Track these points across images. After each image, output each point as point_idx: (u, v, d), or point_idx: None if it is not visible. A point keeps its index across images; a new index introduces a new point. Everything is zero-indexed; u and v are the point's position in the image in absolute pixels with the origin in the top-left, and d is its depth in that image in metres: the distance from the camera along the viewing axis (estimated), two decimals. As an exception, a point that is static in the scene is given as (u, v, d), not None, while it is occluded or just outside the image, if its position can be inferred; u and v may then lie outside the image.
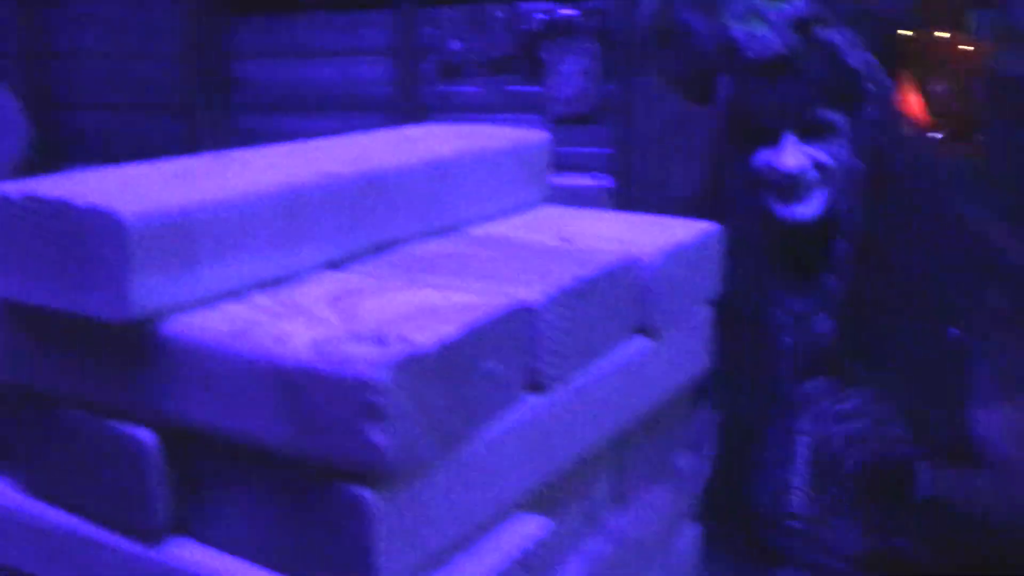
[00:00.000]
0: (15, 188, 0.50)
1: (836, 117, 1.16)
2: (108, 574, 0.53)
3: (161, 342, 0.48)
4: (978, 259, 1.19)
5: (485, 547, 0.51)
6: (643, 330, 0.64)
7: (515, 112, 3.74)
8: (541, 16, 3.66)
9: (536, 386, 0.54)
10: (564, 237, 0.66)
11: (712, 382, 1.05)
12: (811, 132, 1.16)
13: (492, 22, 3.74)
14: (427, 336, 0.46)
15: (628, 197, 3.49)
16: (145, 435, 0.50)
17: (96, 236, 0.47)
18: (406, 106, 3.81)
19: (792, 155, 1.14)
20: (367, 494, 0.44)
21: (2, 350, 0.54)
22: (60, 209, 0.48)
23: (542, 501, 0.56)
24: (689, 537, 0.75)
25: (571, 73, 3.69)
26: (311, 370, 0.44)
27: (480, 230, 0.67)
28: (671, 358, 0.67)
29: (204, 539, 0.51)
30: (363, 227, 0.59)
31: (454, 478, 0.49)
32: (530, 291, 0.53)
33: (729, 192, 1.24)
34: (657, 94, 3.42)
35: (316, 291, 0.53)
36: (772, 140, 1.16)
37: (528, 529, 0.53)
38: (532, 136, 0.74)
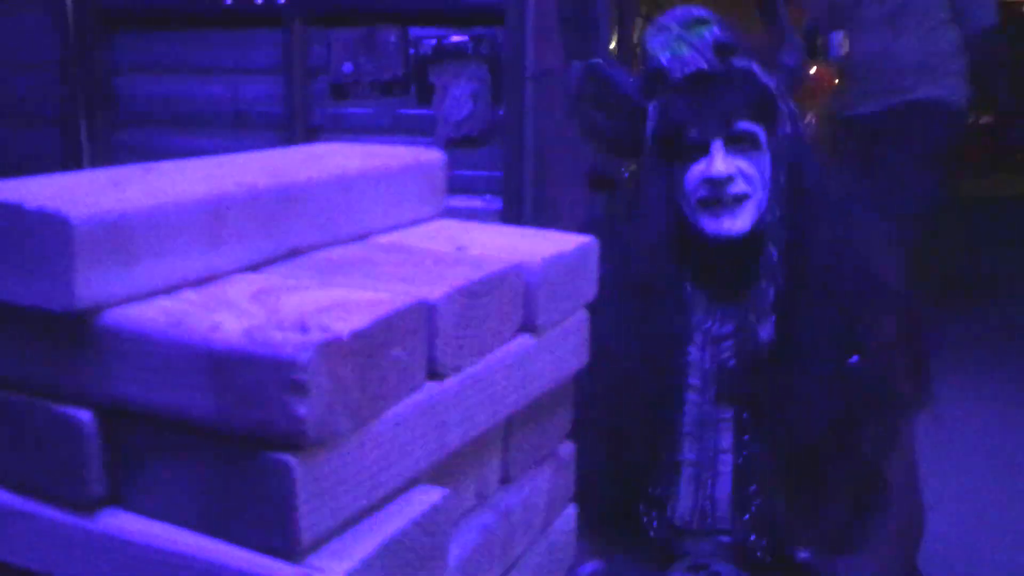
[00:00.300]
0: (-36, 192, 0.55)
1: (757, 129, 1.26)
2: (45, 544, 0.58)
3: (102, 330, 0.54)
4: (872, 286, 1.29)
5: (390, 511, 0.58)
6: (528, 328, 0.72)
7: (405, 134, 3.82)
8: (431, 41, 3.75)
9: (435, 374, 0.62)
10: (459, 246, 0.74)
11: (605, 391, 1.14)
12: (736, 144, 1.25)
13: (383, 45, 3.82)
14: (342, 325, 0.53)
15: (518, 218, 3.60)
16: (83, 415, 0.56)
17: (45, 235, 0.52)
18: (296, 126, 3.83)
19: (721, 161, 1.24)
20: (291, 459, 0.51)
21: (-57, 341, 0.59)
22: (11, 211, 0.53)
23: (440, 476, 0.64)
24: (569, 517, 0.84)
25: (461, 96, 3.79)
26: (243, 352, 0.51)
27: (384, 239, 0.75)
28: (552, 354, 0.76)
29: (138, 509, 0.56)
30: (280, 234, 0.66)
31: (364, 450, 0.56)
32: (429, 290, 0.61)
33: (652, 222, 1.31)
34: (545, 117, 3.56)
35: (240, 289, 0.60)
36: (700, 154, 1.26)
37: (427, 497, 0.60)
38: (430, 155, 0.83)
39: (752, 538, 1.27)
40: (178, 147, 3.93)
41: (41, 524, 0.58)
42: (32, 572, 0.60)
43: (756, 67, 1.30)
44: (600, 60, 1.36)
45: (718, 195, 1.25)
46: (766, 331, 1.26)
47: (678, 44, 1.29)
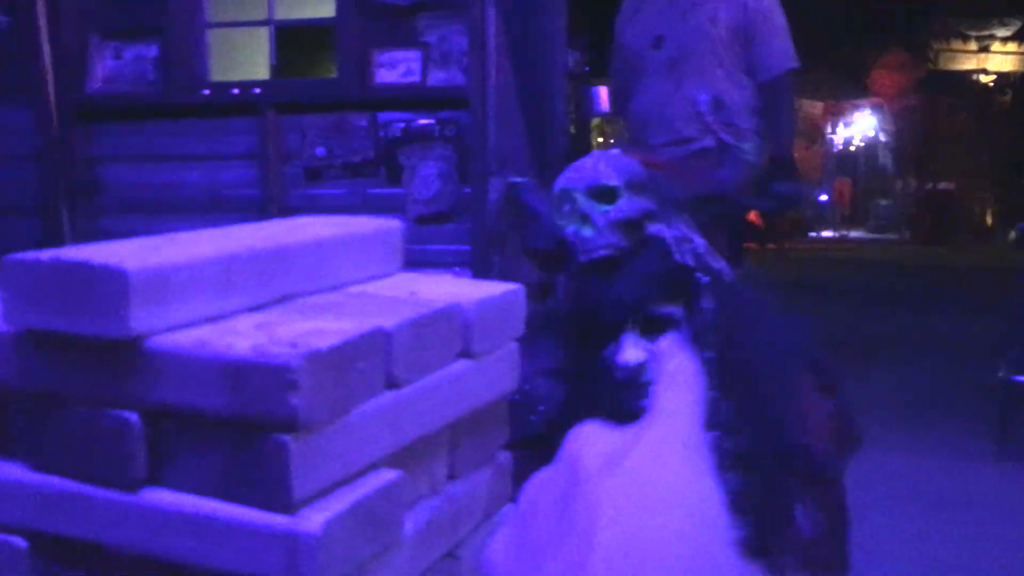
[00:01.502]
0: (43, 255, 0.76)
1: (671, 311, 1.21)
2: (98, 518, 0.77)
3: (147, 352, 0.74)
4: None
5: (358, 484, 0.78)
6: (466, 354, 0.93)
7: (376, 213, 4.04)
8: (400, 124, 4.01)
9: (391, 384, 0.82)
10: (411, 292, 0.95)
11: None
12: (651, 328, 1.21)
13: (354, 130, 4.07)
14: (322, 343, 0.74)
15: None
16: (132, 416, 0.75)
17: (107, 284, 0.73)
18: (271, 208, 4.05)
19: (631, 351, 1.20)
20: (287, 438, 0.71)
21: (21, 365, 0.79)
22: (80, 266, 0.74)
23: (398, 466, 0.84)
24: (507, 514, 1.04)
25: (428, 176, 4.04)
26: (252, 362, 0.71)
27: (353, 289, 0.96)
28: (487, 376, 0.96)
29: (171, 485, 0.76)
30: (274, 284, 0.87)
31: (339, 437, 0.76)
32: (386, 321, 0.82)
33: (583, 388, 1.28)
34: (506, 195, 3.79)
35: (245, 323, 0.80)
36: (613, 336, 1.21)
37: (386, 476, 0.80)
38: (390, 223, 1.04)
39: None
40: (157, 233, 4.12)
41: (95, 502, 0.77)
42: (85, 543, 0.78)
43: (672, 236, 1.24)
44: (521, 180, 1.40)
45: (634, 379, 1.22)
46: None
47: (582, 221, 1.25)
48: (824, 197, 17.09)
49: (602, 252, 1.24)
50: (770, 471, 1.21)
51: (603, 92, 3.68)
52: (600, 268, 1.24)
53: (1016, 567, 2.67)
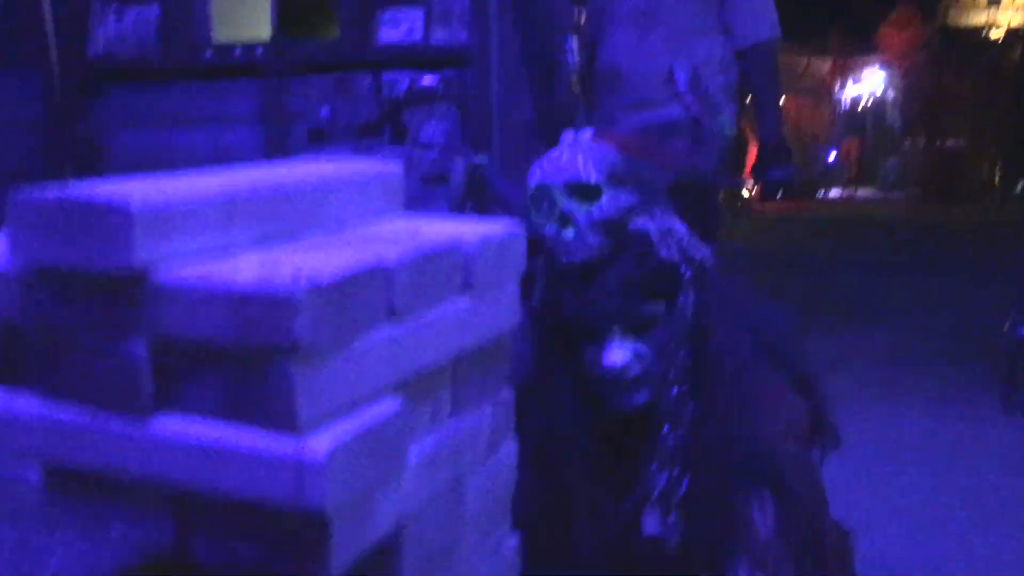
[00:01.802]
0: (48, 193, 0.77)
1: (654, 309, 1.19)
2: (109, 445, 0.79)
3: (151, 285, 0.76)
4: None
5: (363, 411, 0.80)
6: (467, 289, 0.94)
7: (381, 173, 4.04)
8: (403, 84, 4.00)
9: (394, 316, 0.84)
10: (412, 231, 0.96)
11: None
12: (635, 327, 1.19)
13: (358, 90, 4.07)
14: (325, 273, 0.75)
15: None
16: (139, 346, 0.77)
17: (112, 218, 0.74)
18: (277, 169, 4.06)
19: (617, 352, 1.18)
20: (290, 364, 0.72)
21: (31, 301, 0.80)
22: (86, 204, 0.75)
23: (401, 398, 0.86)
24: (510, 450, 1.05)
25: (433, 136, 4.03)
26: (256, 292, 0.72)
27: (355, 228, 0.97)
28: (488, 312, 0.98)
29: (180, 412, 0.78)
30: (276, 221, 0.88)
31: (343, 366, 0.77)
32: (389, 255, 0.83)
33: (553, 392, 1.27)
34: (512, 150, 3.79)
35: (249, 258, 0.81)
36: (595, 338, 1.19)
37: (391, 405, 0.82)
38: (390, 166, 1.05)
39: None
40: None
41: (105, 432, 0.79)
42: (97, 473, 0.80)
43: (655, 229, 1.21)
44: (485, 162, 1.35)
45: (615, 378, 1.21)
46: (651, 525, 1.23)
47: (562, 222, 1.20)
48: (832, 156, 16.98)
49: (584, 256, 1.21)
50: (724, 469, 1.20)
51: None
52: (582, 271, 1.21)
53: (1021, 518, 2.70)
